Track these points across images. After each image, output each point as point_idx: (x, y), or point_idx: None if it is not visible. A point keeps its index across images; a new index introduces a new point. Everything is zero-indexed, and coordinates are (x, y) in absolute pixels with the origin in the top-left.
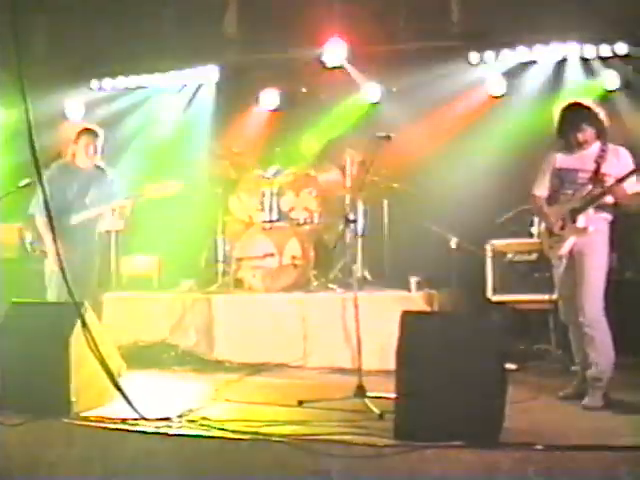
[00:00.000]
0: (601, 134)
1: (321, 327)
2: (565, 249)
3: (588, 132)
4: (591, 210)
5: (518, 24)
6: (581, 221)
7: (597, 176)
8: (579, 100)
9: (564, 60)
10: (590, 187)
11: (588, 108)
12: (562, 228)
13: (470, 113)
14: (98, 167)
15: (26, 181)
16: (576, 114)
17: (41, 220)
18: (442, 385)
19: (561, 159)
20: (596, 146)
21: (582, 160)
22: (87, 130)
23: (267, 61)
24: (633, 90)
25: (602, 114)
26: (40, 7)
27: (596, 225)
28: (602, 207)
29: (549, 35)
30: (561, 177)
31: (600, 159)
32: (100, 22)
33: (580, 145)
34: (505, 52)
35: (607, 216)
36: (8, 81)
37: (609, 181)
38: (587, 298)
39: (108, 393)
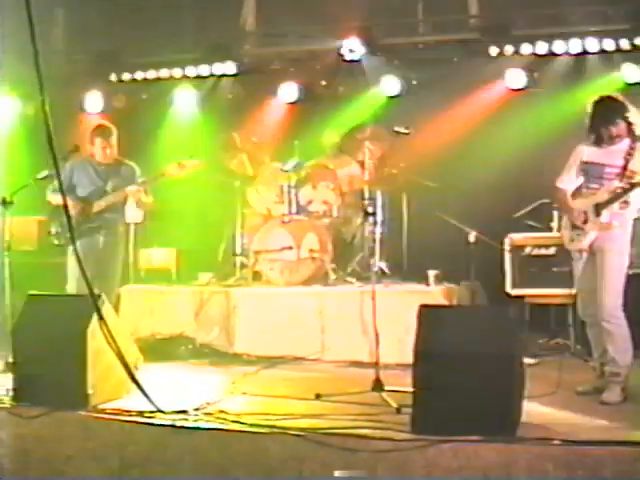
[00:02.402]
0: (632, 130)
1: (339, 320)
2: (586, 243)
3: (621, 126)
4: (616, 206)
5: (538, 17)
6: (605, 216)
7: (624, 172)
8: (612, 94)
9: (584, 53)
10: (616, 183)
11: (621, 102)
12: (585, 222)
13: (489, 106)
14: (117, 160)
15: (44, 173)
16: (610, 108)
17: (57, 200)
18: (460, 379)
19: (589, 153)
20: (626, 142)
21: (610, 155)
22: (100, 127)
23: (286, 54)
24: None
25: (634, 110)
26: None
27: (620, 221)
28: (627, 203)
29: (569, 28)
30: (587, 171)
31: (629, 155)
32: (119, 15)
33: (611, 139)
34: (525, 45)
35: (631, 213)
36: (27, 74)
37: (636, 178)
38: (606, 293)
39: (125, 386)
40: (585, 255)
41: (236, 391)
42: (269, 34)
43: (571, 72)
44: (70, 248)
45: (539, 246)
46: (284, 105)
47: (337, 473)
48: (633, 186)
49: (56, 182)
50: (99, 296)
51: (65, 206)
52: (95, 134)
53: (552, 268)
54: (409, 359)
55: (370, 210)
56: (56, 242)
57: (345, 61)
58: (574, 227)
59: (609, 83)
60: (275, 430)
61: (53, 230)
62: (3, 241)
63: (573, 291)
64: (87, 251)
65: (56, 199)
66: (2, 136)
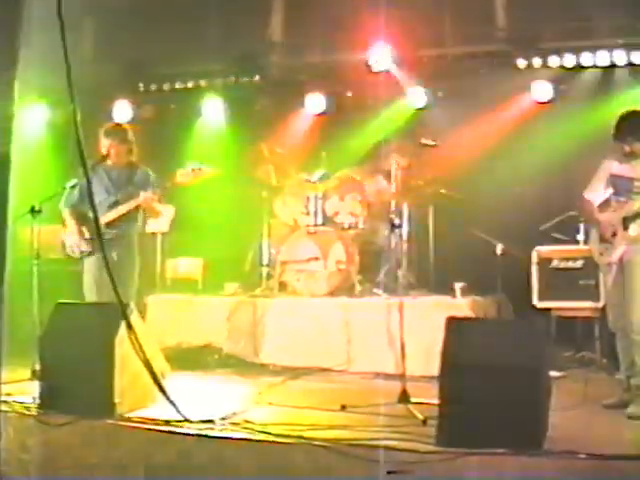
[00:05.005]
0: None
1: (365, 332)
2: (615, 256)
3: (636, 146)
4: None
5: (565, 29)
6: (633, 229)
7: None
8: (638, 109)
9: (612, 66)
10: None
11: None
12: (613, 235)
13: (516, 119)
14: (132, 164)
15: (73, 182)
16: (633, 122)
17: (68, 215)
18: (486, 392)
19: (617, 166)
20: None
21: (638, 168)
22: (114, 127)
23: (313, 65)
24: None
25: None
26: (88, 9)
27: None
28: None
29: (597, 41)
30: (615, 184)
31: None
32: (147, 25)
33: (635, 154)
34: (552, 58)
35: None
36: (55, 82)
37: None
38: (636, 306)
39: (152, 395)
40: (615, 268)
41: (262, 401)
42: (296, 45)
43: (598, 85)
44: (85, 261)
45: (566, 259)
46: (311, 116)
47: None
48: None
49: (67, 194)
50: (127, 305)
51: (95, 214)
52: (109, 133)
53: (578, 281)
54: (435, 371)
55: (397, 222)
56: (72, 254)
57: (372, 72)
58: (602, 240)
59: (637, 96)
60: (301, 441)
61: (67, 243)
62: (32, 249)
63: (599, 304)
64: (103, 266)
65: (65, 212)
66: (31, 144)
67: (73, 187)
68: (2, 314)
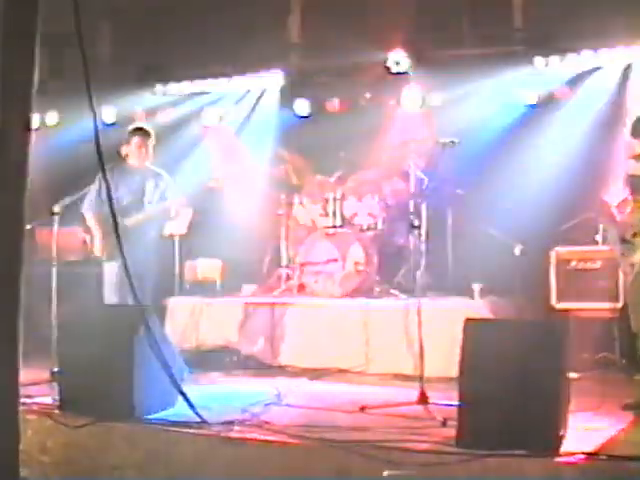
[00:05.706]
0: None
1: (383, 333)
2: (637, 257)
3: None
4: None
5: (583, 29)
6: None
7: None
8: None
9: (630, 65)
10: None
11: None
12: (634, 235)
13: (534, 118)
14: (152, 168)
15: (96, 185)
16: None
17: (92, 219)
18: (505, 393)
19: (634, 166)
20: None
21: None
22: (138, 130)
23: (331, 66)
24: None
25: None
26: (105, 11)
27: None
28: None
29: (615, 40)
30: (633, 184)
31: None
32: (165, 27)
33: None
34: (570, 57)
35: None
36: (67, 86)
37: None
38: None
39: (171, 396)
40: (637, 268)
41: (281, 403)
42: (314, 46)
43: (617, 84)
44: (106, 264)
45: (585, 260)
46: (329, 117)
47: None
48: None
49: (90, 196)
50: (146, 307)
51: (114, 218)
52: (133, 134)
53: (598, 282)
54: (453, 372)
55: (416, 223)
56: (98, 254)
57: (391, 73)
58: (623, 241)
59: None
60: (320, 442)
61: (88, 241)
62: (51, 251)
63: (618, 305)
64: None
65: (88, 215)
66: (49, 148)
67: (97, 191)
68: (19, 316)
